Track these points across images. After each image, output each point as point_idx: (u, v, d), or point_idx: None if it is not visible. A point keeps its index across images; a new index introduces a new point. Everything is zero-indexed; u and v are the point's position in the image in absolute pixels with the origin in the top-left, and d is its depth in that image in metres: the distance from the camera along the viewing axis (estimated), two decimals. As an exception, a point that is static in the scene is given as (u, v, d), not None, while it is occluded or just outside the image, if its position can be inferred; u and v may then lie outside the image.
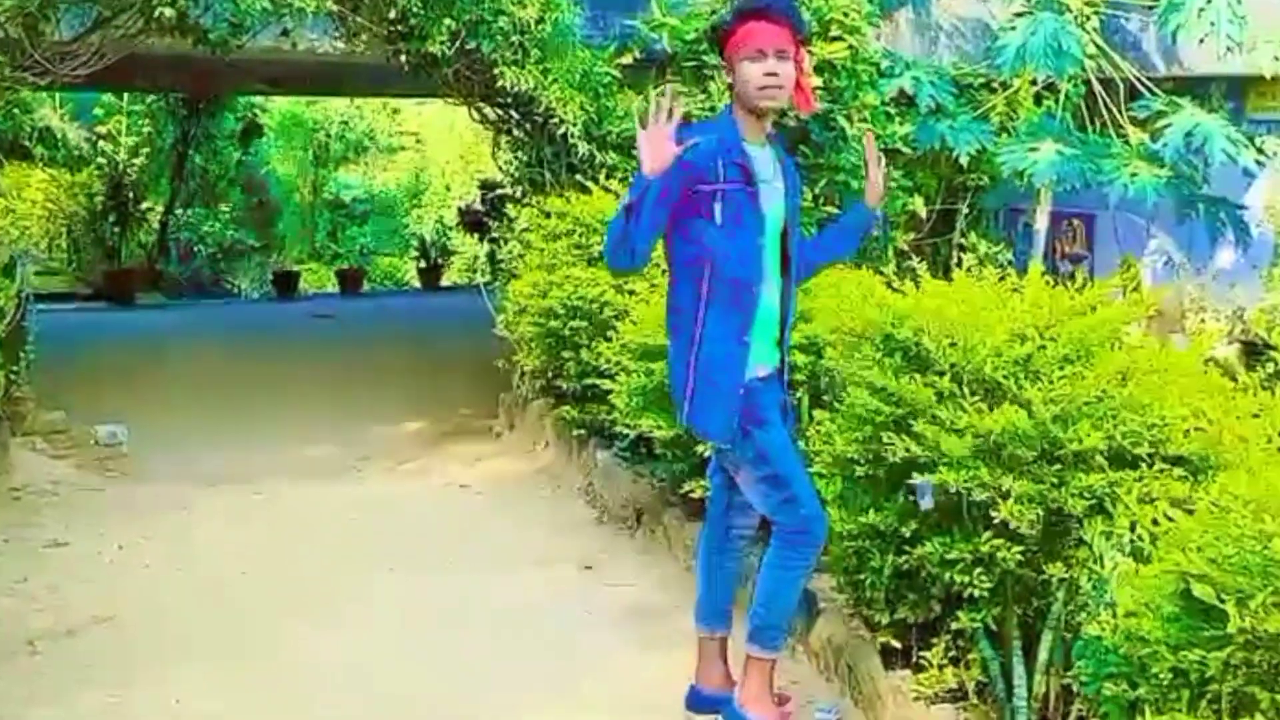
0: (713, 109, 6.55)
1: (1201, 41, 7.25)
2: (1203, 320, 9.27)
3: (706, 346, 3.38)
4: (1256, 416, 3.16)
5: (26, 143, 15.83)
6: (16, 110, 13.96)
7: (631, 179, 3.28)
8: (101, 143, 16.55)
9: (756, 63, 3.33)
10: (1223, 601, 2.30)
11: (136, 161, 16.80)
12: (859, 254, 7.08)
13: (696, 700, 3.66)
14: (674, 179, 3.24)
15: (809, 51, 6.62)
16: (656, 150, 3.18)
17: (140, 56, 6.98)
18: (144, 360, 10.31)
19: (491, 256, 10.23)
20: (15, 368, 6.77)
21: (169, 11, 6.23)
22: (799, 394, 4.66)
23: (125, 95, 16.26)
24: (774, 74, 3.33)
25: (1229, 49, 7.12)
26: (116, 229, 16.55)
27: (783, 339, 3.53)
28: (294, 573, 5.09)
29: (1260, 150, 7.21)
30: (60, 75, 6.56)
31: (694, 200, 3.31)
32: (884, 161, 3.79)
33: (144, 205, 17.07)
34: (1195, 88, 8.57)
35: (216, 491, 6.59)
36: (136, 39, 6.59)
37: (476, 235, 16.35)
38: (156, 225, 17.15)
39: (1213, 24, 7.01)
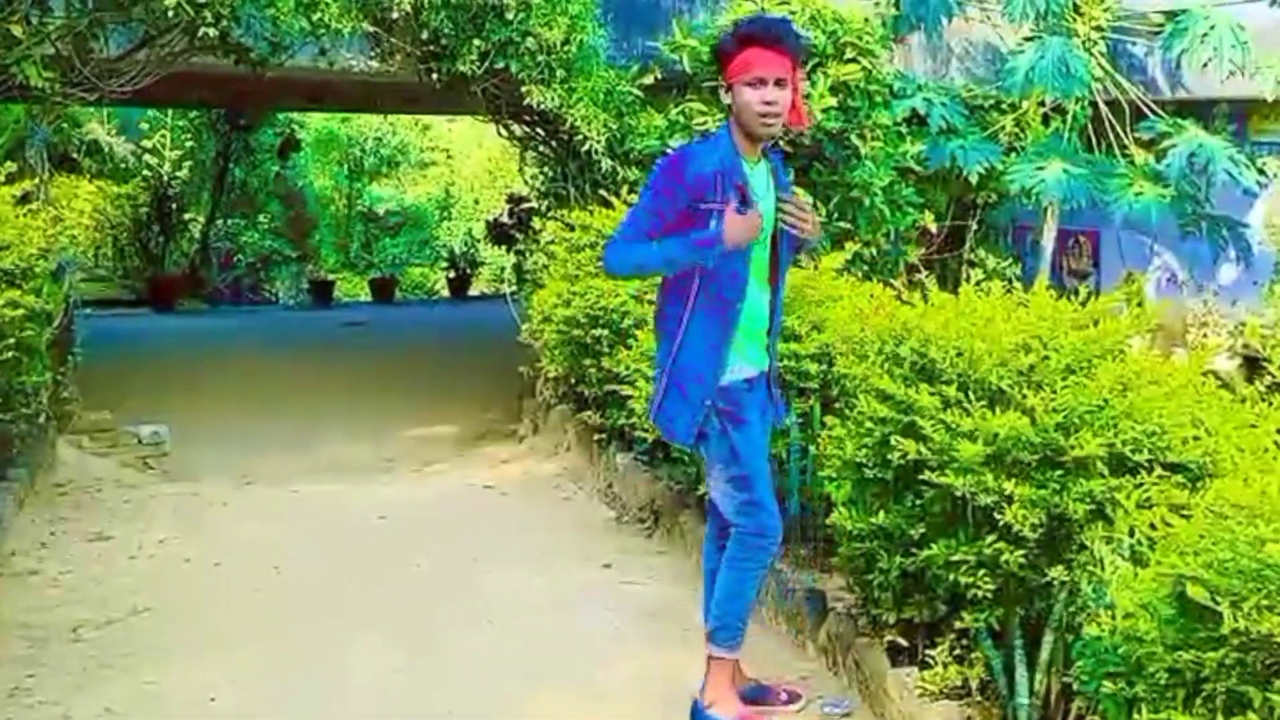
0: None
1: (1205, 66, 7.24)
2: (1204, 334, 9.23)
3: (684, 354, 3.42)
4: (1253, 426, 3.15)
5: (75, 155, 16.00)
6: (66, 124, 14.11)
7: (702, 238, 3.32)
8: (146, 156, 16.67)
9: (756, 90, 3.33)
10: (1218, 604, 2.29)
11: (179, 174, 16.93)
12: (871, 268, 7.12)
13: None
14: (681, 200, 3.32)
15: (823, 73, 6.66)
16: (745, 234, 3.29)
17: (184, 73, 7.04)
18: (185, 364, 10.39)
19: (518, 267, 10.29)
20: (63, 370, 6.83)
21: (212, 31, 6.29)
22: (811, 401, 4.67)
23: (169, 110, 16.37)
24: (773, 102, 3.33)
25: (1231, 73, 7.11)
26: (160, 238, 16.68)
27: (771, 342, 3.55)
28: (326, 568, 5.11)
29: (1261, 171, 7.19)
30: (108, 91, 6.62)
31: (692, 216, 3.33)
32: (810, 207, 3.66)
33: (186, 216, 17.20)
34: (1199, 110, 8.55)
35: (252, 490, 6.63)
36: (180, 57, 6.65)
37: (503, 247, 16.42)
38: (198, 235, 17.25)
39: (1216, 49, 7.00)
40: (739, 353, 3.43)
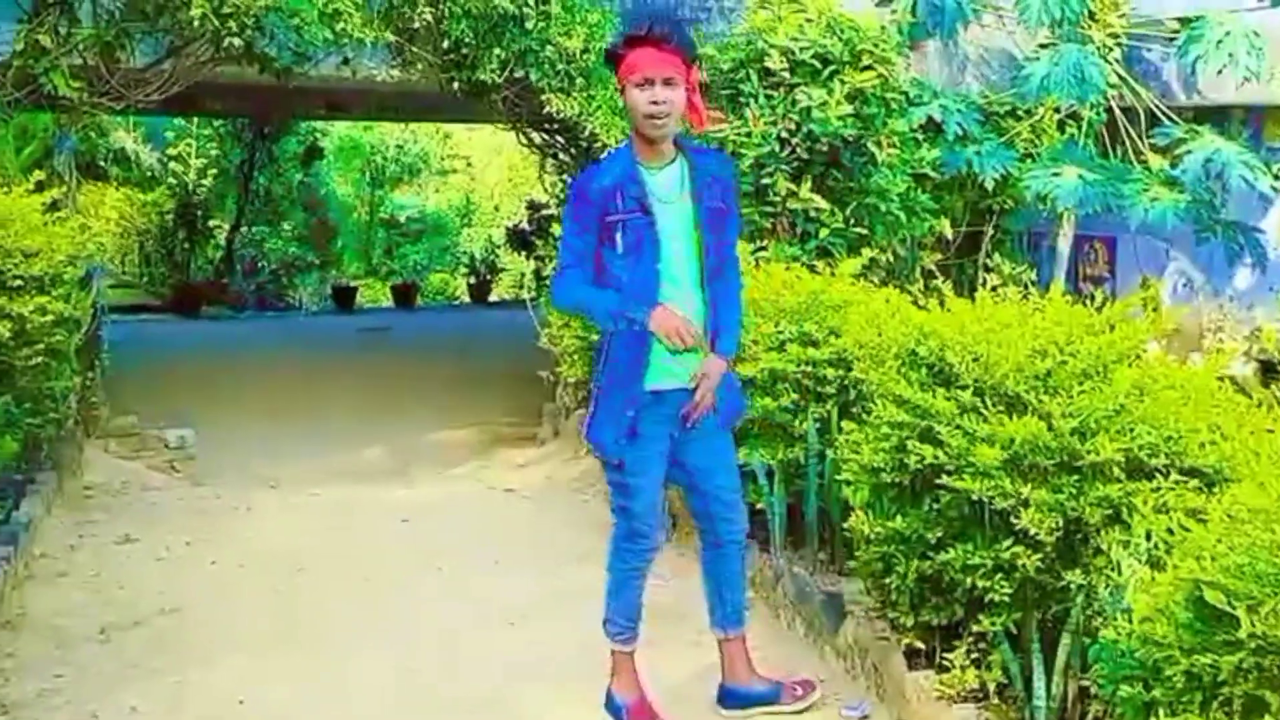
0: (749, 135, 6.57)
1: (1220, 72, 7.21)
2: (1220, 340, 9.18)
3: (609, 368, 3.42)
4: (1270, 431, 3.13)
5: (102, 164, 16.12)
6: (93, 133, 14.23)
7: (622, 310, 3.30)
8: (172, 164, 16.78)
9: (644, 90, 3.27)
10: (1234, 608, 2.28)
11: (205, 182, 17.03)
12: (888, 274, 7.10)
13: (727, 696, 3.68)
14: (592, 216, 3.31)
15: (839, 81, 6.64)
16: (673, 332, 3.24)
17: (209, 83, 7.09)
18: (210, 369, 10.44)
19: (537, 273, 10.31)
20: (90, 374, 6.87)
21: (237, 41, 6.32)
22: (828, 406, 4.67)
23: (195, 119, 16.47)
24: (660, 101, 3.26)
25: (1247, 79, 7.07)
26: (185, 245, 16.79)
27: (712, 346, 3.43)
28: (348, 570, 5.13)
29: (1276, 176, 7.15)
30: (135, 101, 6.67)
31: (602, 231, 3.32)
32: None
33: (211, 223, 17.30)
34: (1214, 116, 8.51)
35: (277, 493, 6.66)
36: (206, 67, 6.69)
37: (523, 253, 16.46)
38: (223, 242, 17.35)
39: (1231, 55, 6.97)
40: (656, 364, 3.37)
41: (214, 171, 17.07)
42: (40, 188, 5.81)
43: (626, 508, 3.47)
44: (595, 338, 6.19)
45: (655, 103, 3.27)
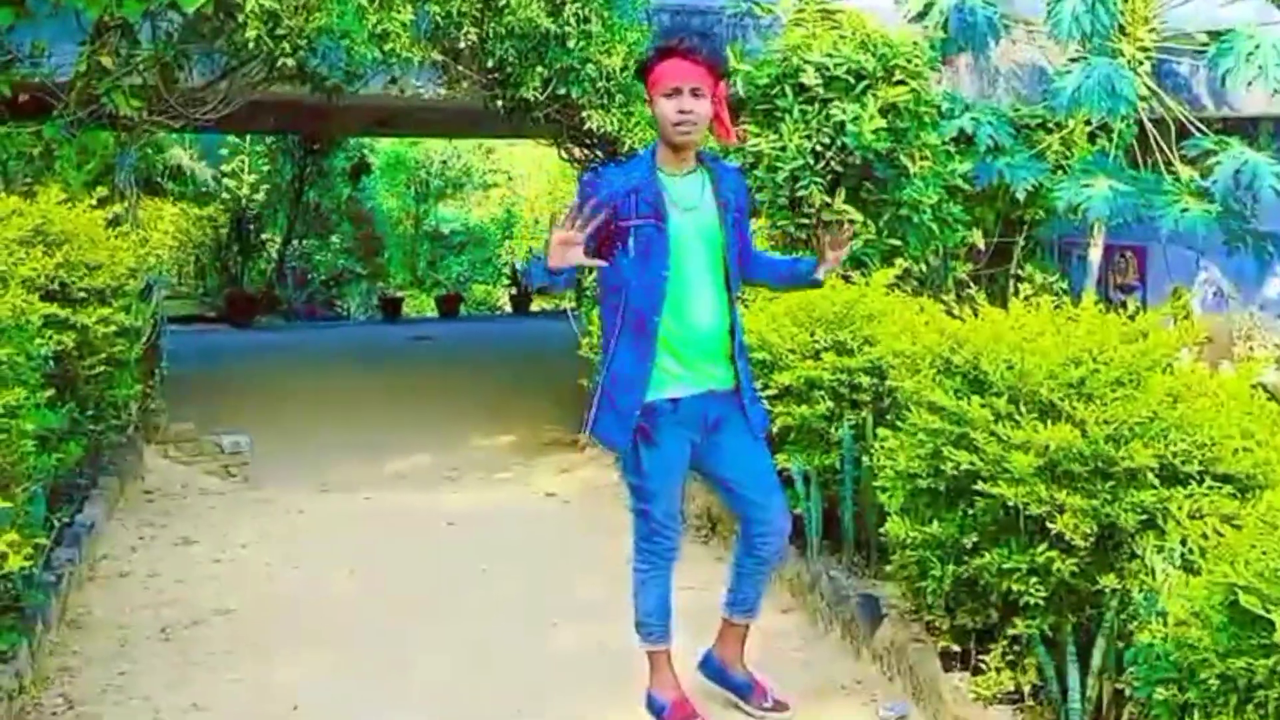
0: (784, 149, 6.57)
1: (1250, 84, 7.13)
2: (1251, 348, 9.07)
3: (614, 366, 3.39)
4: (1303, 438, 3.10)
5: (160, 180, 16.31)
6: (151, 150, 14.40)
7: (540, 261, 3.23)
8: (226, 180, 16.98)
9: (672, 100, 3.28)
10: (1269, 612, 2.26)
11: (257, 197, 17.22)
12: (921, 284, 7.07)
13: (706, 662, 3.75)
14: (599, 223, 3.25)
15: (873, 95, 6.63)
16: (562, 254, 3.15)
17: (262, 101, 7.17)
18: (263, 377, 10.54)
19: (578, 284, 10.33)
20: (150, 383, 6.95)
21: (290, 61, 6.40)
22: (864, 413, 4.65)
23: (248, 136, 16.66)
24: (687, 111, 3.27)
25: (1276, 91, 6.99)
26: (239, 258, 16.97)
27: (735, 354, 3.45)
28: (397, 572, 5.17)
29: (1306, 187, 7.05)
30: (191, 119, 6.75)
31: (614, 234, 3.31)
32: (846, 244, 3.65)
33: (263, 236, 17.48)
34: (1244, 127, 8.43)
35: (328, 497, 6.71)
36: (260, 86, 6.77)
37: (563, 265, 16.48)
38: (274, 254, 17.52)
39: (1261, 68, 6.89)
40: (663, 369, 3.36)
41: (266, 187, 17.26)
42: (102, 203, 5.89)
43: (645, 511, 3.47)
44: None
45: (682, 111, 3.28)
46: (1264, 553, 2.35)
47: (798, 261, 3.82)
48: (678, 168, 3.38)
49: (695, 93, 3.28)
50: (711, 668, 3.75)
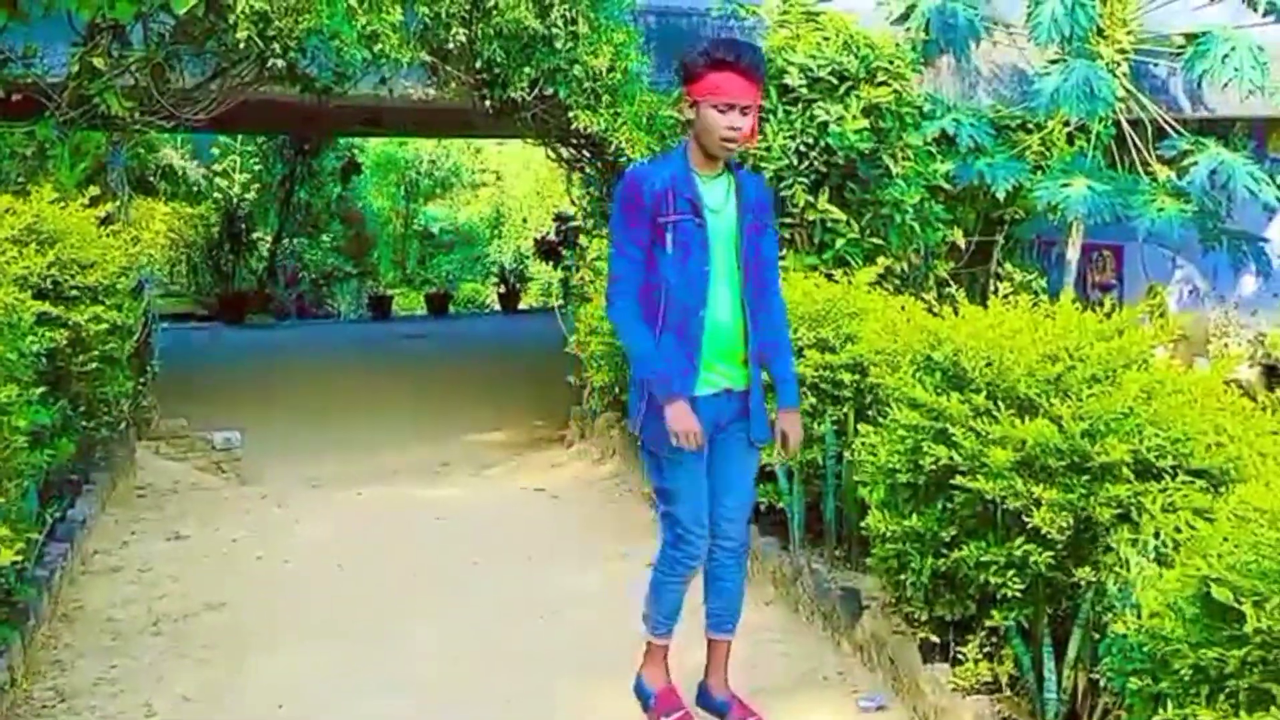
0: (768, 149, 6.58)
1: (1225, 86, 7.17)
2: (1225, 345, 9.13)
3: (661, 366, 3.31)
4: (1275, 434, 3.12)
5: (151, 179, 16.25)
6: (143, 150, 14.36)
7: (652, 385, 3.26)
8: (217, 179, 16.93)
9: (723, 114, 3.23)
10: (1240, 604, 2.27)
11: (248, 196, 17.17)
12: (903, 282, 7.10)
13: (700, 696, 3.63)
14: (645, 217, 3.25)
15: (856, 96, 6.65)
16: (683, 434, 3.19)
17: (253, 102, 7.14)
18: (254, 374, 10.53)
19: (565, 282, 10.35)
20: (142, 380, 6.93)
21: (280, 62, 6.37)
22: (845, 409, 4.67)
23: (239, 136, 16.61)
24: (737, 128, 3.24)
25: (1251, 92, 7.04)
26: (230, 256, 16.91)
27: (749, 357, 3.40)
28: (387, 566, 5.16)
29: (1280, 187, 7.10)
30: (183, 119, 6.73)
31: (653, 231, 3.29)
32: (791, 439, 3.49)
33: (254, 235, 17.42)
34: (1219, 128, 8.48)
35: (319, 492, 6.71)
36: (250, 86, 6.74)
37: (551, 263, 16.52)
38: (265, 253, 17.46)
39: (1236, 70, 6.94)
40: (707, 368, 3.32)
41: (257, 186, 17.21)
42: (94, 202, 5.87)
43: (670, 513, 3.40)
44: (621, 344, 6.23)
45: (733, 128, 3.24)
46: (1236, 546, 2.36)
47: (778, 381, 3.51)
48: (709, 170, 3.36)
49: (745, 110, 3.25)
50: (703, 699, 3.62)
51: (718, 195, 3.36)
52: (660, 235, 3.28)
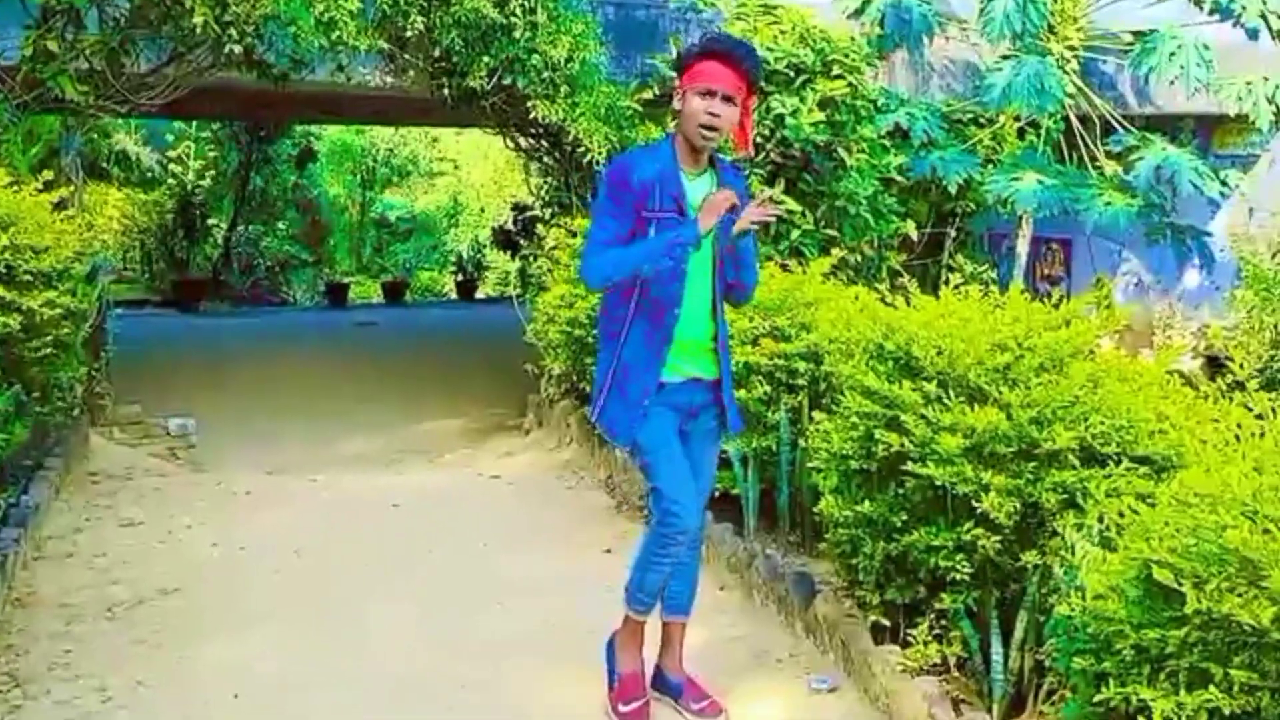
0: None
1: (1172, 83, 7.28)
2: (1169, 336, 9.28)
3: (627, 355, 3.33)
4: (1215, 421, 3.18)
5: (105, 165, 15.99)
6: (96, 135, 14.12)
7: (665, 228, 3.22)
8: (172, 165, 16.68)
9: (704, 100, 3.24)
10: (1181, 586, 2.32)
11: (203, 183, 16.95)
12: (856, 273, 7.15)
13: (655, 677, 3.64)
14: (629, 204, 3.25)
15: (811, 89, 6.68)
16: (723, 203, 3.19)
17: (209, 87, 7.05)
18: (210, 361, 10.40)
19: (522, 271, 10.31)
20: (96, 365, 6.84)
21: (237, 48, 6.29)
22: (800, 397, 4.71)
23: (194, 122, 16.39)
24: (715, 114, 3.23)
25: (1196, 90, 7.15)
26: (185, 243, 16.71)
27: (719, 350, 3.42)
28: (344, 553, 5.14)
29: (1224, 182, 7.22)
30: (138, 104, 6.63)
31: (635, 221, 3.28)
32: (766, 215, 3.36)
33: (209, 222, 17.22)
34: (1166, 125, 8.61)
35: (274, 479, 6.65)
36: (206, 72, 6.65)
37: (509, 252, 16.45)
38: (220, 240, 17.27)
39: (1182, 67, 7.04)
40: (676, 357, 3.35)
41: (212, 173, 16.99)
42: (48, 187, 5.78)
43: (656, 489, 3.38)
44: (579, 333, 6.24)
45: (712, 114, 3.24)
46: (1177, 530, 2.42)
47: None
48: (693, 167, 3.35)
49: (727, 99, 3.24)
50: (658, 681, 3.63)
51: (699, 195, 3.35)
52: (643, 228, 3.28)
